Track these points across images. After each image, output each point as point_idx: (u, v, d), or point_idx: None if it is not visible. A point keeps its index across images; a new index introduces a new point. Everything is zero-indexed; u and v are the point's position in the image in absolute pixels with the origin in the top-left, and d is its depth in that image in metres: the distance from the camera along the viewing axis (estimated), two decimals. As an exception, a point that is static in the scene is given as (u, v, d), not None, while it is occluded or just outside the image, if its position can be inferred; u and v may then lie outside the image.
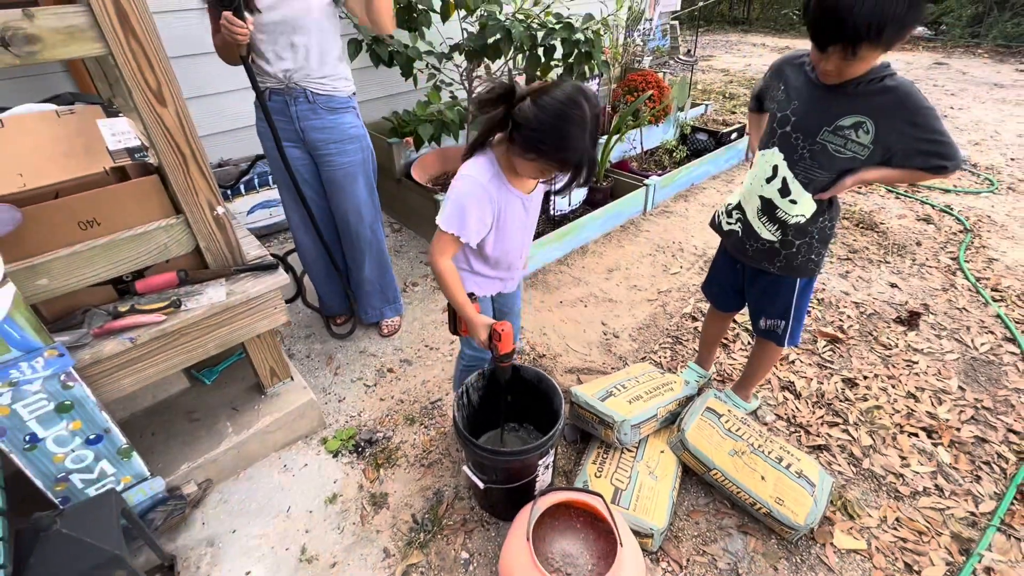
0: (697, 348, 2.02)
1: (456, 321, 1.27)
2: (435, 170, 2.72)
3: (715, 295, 1.66)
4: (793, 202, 1.25)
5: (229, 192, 2.82)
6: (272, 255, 2.73)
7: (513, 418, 1.60)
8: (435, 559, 1.43)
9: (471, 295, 1.23)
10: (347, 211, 1.78)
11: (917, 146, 1.09)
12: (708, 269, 1.65)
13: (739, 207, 1.39)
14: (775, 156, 1.26)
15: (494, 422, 1.61)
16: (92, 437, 1.19)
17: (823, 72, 1.10)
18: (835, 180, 1.20)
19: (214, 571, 1.40)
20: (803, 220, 1.27)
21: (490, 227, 1.08)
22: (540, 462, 1.33)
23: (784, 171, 1.24)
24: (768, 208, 1.31)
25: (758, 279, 1.45)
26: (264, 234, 3.01)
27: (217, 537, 1.48)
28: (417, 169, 2.63)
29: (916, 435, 1.76)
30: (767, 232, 1.33)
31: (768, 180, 1.29)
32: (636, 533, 1.40)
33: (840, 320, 2.23)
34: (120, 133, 1.31)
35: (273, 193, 2.93)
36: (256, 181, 2.85)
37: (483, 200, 1.04)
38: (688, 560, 1.44)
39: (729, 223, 1.44)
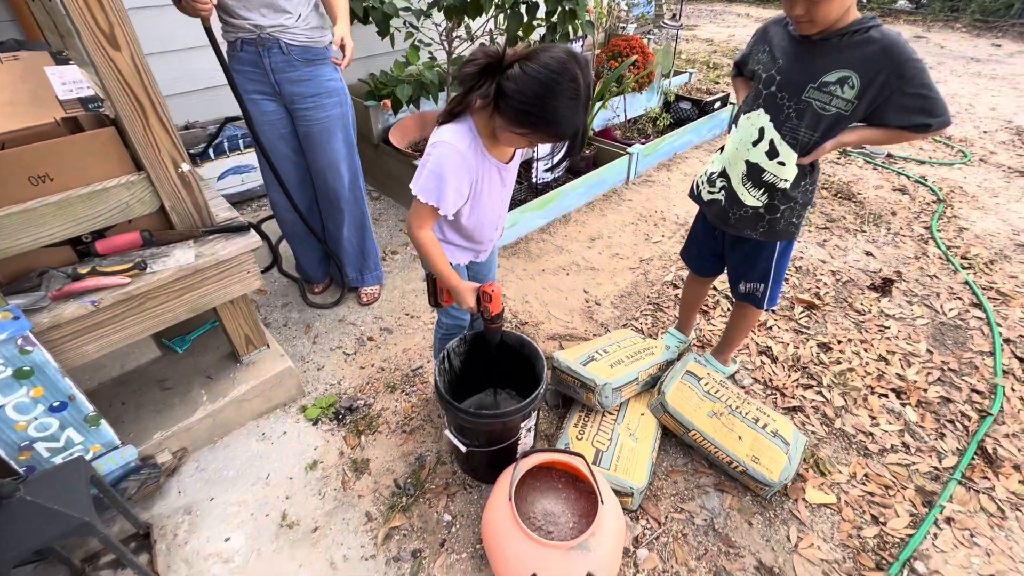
0: (677, 314, 2.02)
1: (437, 292, 1.23)
2: (414, 135, 2.61)
3: (694, 260, 1.64)
4: (782, 164, 1.22)
5: (198, 158, 2.68)
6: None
7: (495, 383, 1.60)
8: (417, 521, 1.44)
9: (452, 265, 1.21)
10: (325, 168, 1.70)
11: (901, 100, 1.04)
12: (687, 236, 1.64)
13: (723, 174, 1.35)
14: (760, 118, 1.22)
15: (476, 387, 1.60)
16: (56, 404, 1.14)
17: (796, 21, 1.06)
18: (822, 139, 1.17)
19: (192, 538, 1.38)
20: (788, 184, 1.24)
21: (466, 197, 1.03)
22: (522, 425, 1.32)
23: (771, 133, 1.21)
24: (754, 173, 1.28)
25: (739, 245, 1.44)
26: (236, 201, 2.85)
27: (195, 505, 1.45)
28: (395, 134, 2.52)
29: (886, 396, 1.80)
30: (751, 198, 1.30)
31: (754, 143, 1.25)
32: (616, 492, 1.41)
33: (817, 287, 2.25)
34: (71, 82, 1.21)
35: (245, 158, 2.76)
36: (226, 145, 2.69)
37: (461, 169, 0.98)
38: (667, 517, 1.46)
39: (711, 192, 1.39)
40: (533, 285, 2.26)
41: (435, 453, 1.60)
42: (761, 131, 1.23)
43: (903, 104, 1.06)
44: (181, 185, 1.25)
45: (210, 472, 1.54)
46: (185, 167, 1.22)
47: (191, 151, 2.62)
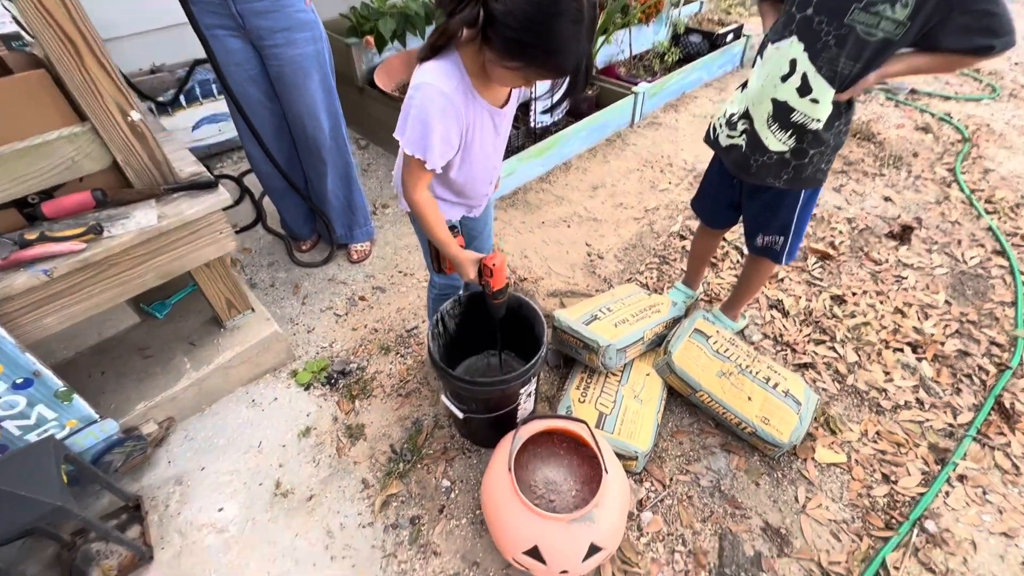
0: (685, 268, 1.96)
1: (440, 258, 1.19)
2: (402, 75, 2.40)
3: (706, 211, 1.55)
4: (815, 101, 1.09)
5: (168, 106, 2.47)
6: (225, 176, 2.50)
7: (493, 345, 1.54)
8: (415, 488, 1.41)
9: (453, 227, 1.13)
10: (302, 115, 1.56)
11: (962, 19, 0.91)
12: (699, 184, 1.53)
13: (745, 115, 1.22)
14: (792, 48, 1.07)
15: (472, 350, 1.56)
16: (19, 382, 1.06)
17: None
18: (864, 70, 1.02)
19: (184, 509, 1.34)
20: (820, 125, 1.11)
21: (457, 148, 0.93)
22: (522, 391, 1.28)
23: (804, 65, 1.06)
24: (782, 112, 1.14)
25: (758, 194, 1.33)
26: (215, 153, 2.67)
27: (185, 475, 1.42)
28: (381, 75, 2.33)
29: (901, 350, 1.74)
30: (777, 142, 1.17)
31: (784, 78, 1.10)
32: (620, 456, 1.38)
33: (832, 236, 2.16)
34: (-10, 16, 1.05)
35: (221, 105, 2.55)
36: (198, 90, 2.47)
37: (448, 114, 0.86)
38: (672, 479, 1.44)
39: (731, 136, 1.27)
40: (532, 239, 2.19)
41: (432, 417, 1.57)
42: (792, 63, 1.08)
43: (964, 24, 0.92)
44: (133, 136, 1.11)
45: (200, 441, 1.50)
46: (135, 115, 1.08)
47: (159, 98, 2.40)
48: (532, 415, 1.39)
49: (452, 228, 1.09)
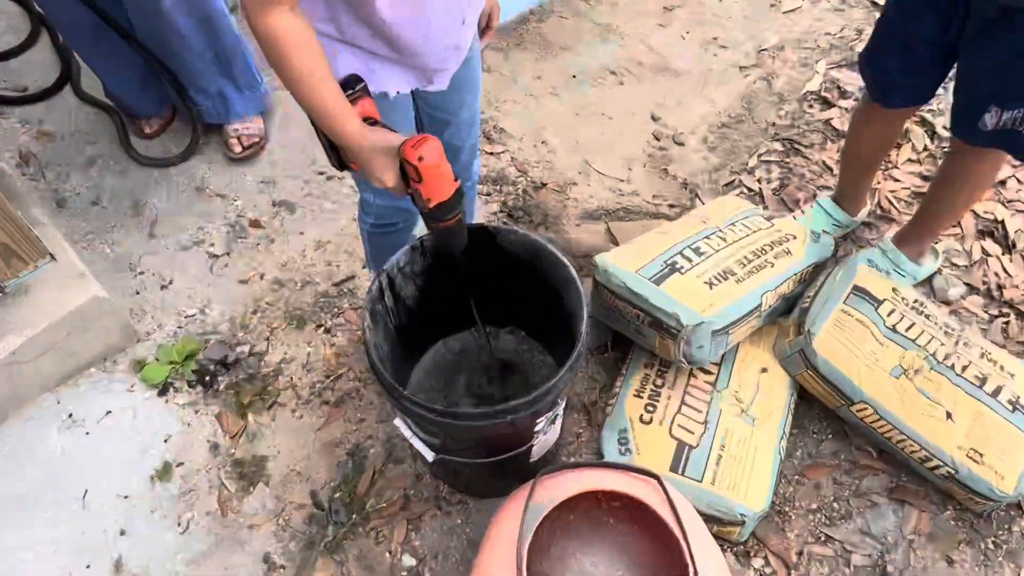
0: (835, 168, 1.92)
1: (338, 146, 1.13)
2: None
3: (890, 73, 1.48)
4: None
5: None
6: None
7: (492, 315, 1.51)
8: (357, 570, 1.39)
9: (354, 87, 1.05)
10: None
11: None
12: (876, 23, 1.47)
13: None
14: None
15: (451, 327, 1.57)
16: None
17: None
18: None
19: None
20: None
21: None
22: (539, 422, 1.23)
23: None
24: None
25: (1001, 35, 1.24)
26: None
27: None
28: None
29: None
30: None
31: None
32: (715, 520, 1.36)
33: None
34: None
35: None
36: None
37: None
38: (802, 553, 1.40)
39: None
40: (553, 107, 2.18)
41: (383, 442, 1.55)
42: None
43: None
44: None
45: (-28, 493, 1.47)
46: None
47: None
48: (557, 454, 1.37)
49: (352, 87, 1.05)
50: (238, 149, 1.97)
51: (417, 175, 1.01)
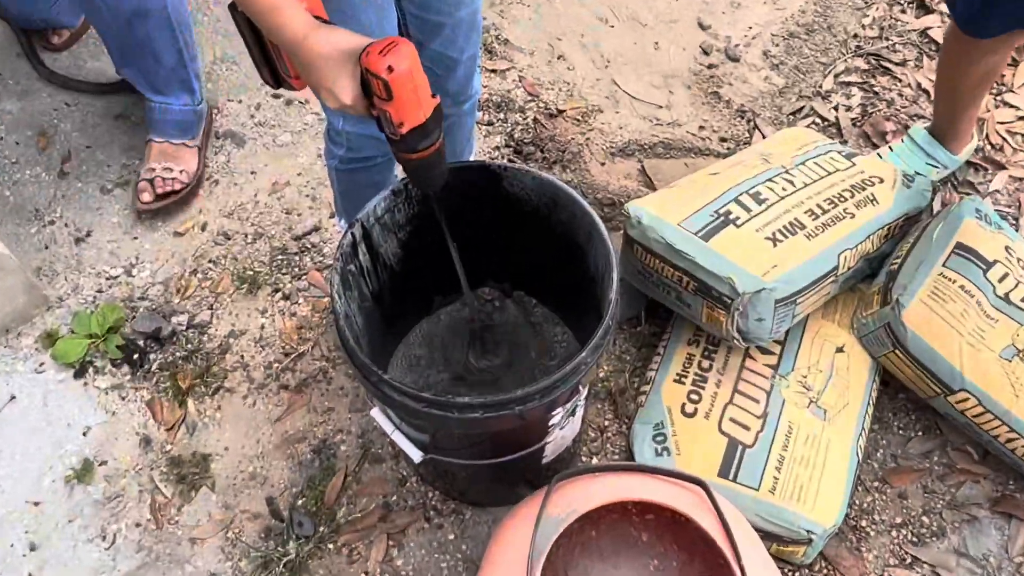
0: (932, 91, 1.91)
1: (270, 54, 1.13)
2: None
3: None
4: None
5: None
6: None
7: (488, 275, 1.56)
8: None
9: None
10: None
11: None
12: None
13: None
14: None
15: (446, 291, 1.59)
16: None
17: None
18: None
19: None
20: None
21: None
22: (554, 415, 1.24)
23: None
24: None
25: None
26: None
27: None
28: None
29: None
30: None
31: None
32: (775, 538, 1.38)
33: None
34: None
35: None
36: None
37: None
38: None
39: None
40: (573, 11, 2.19)
41: (356, 435, 1.58)
42: None
43: None
44: None
45: None
46: None
47: None
48: (575, 455, 1.39)
49: None
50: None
51: (385, 91, 0.99)
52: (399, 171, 1.38)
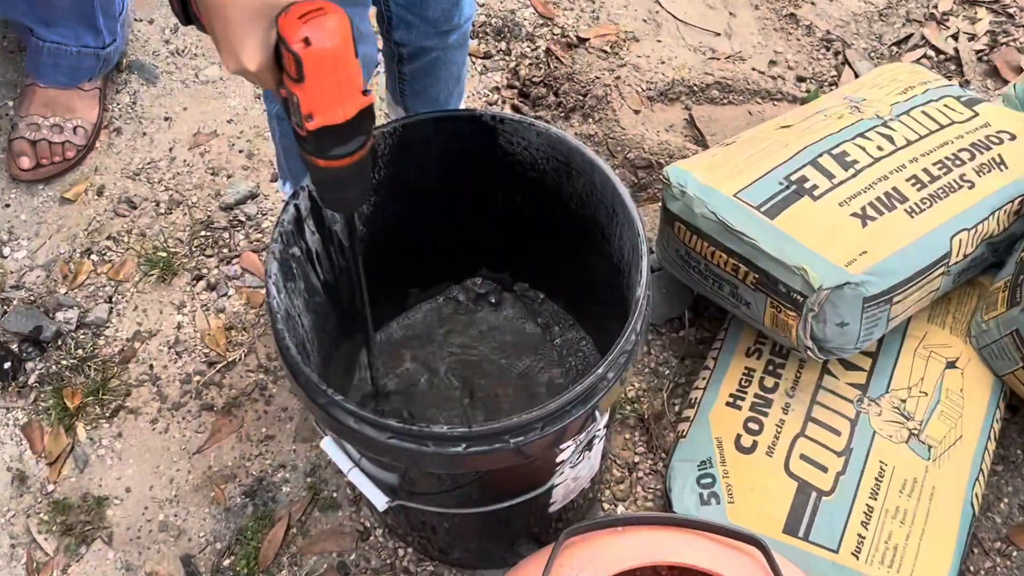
0: None
1: None
2: None
3: None
4: None
5: None
6: None
7: (490, 268, 1.62)
8: None
9: None
10: None
11: None
12: None
13: None
14: None
15: (423, 281, 1.64)
16: None
17: None
18: None
19: None
20: None
21: None
22: (563, 450, 1.25)
23: None
24: None
25: None
26: None
27: None
28: None
29: None
30: None
31: None
32: None
33: None
34: None
35: None
36: None
37: None
38: None
39: None
40: None
41: (302, 473, 1.61)
42: None
43: None
44: None
45: None
46: None
47: None
48: (593, 502, 1.43)
49: None
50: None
51: (296, 68, 0.97)
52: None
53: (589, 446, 1.29)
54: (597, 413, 1.20)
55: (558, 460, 1.26)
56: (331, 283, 1.40)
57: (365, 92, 1.03)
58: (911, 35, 2.00)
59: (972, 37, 1.98)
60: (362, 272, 1.31)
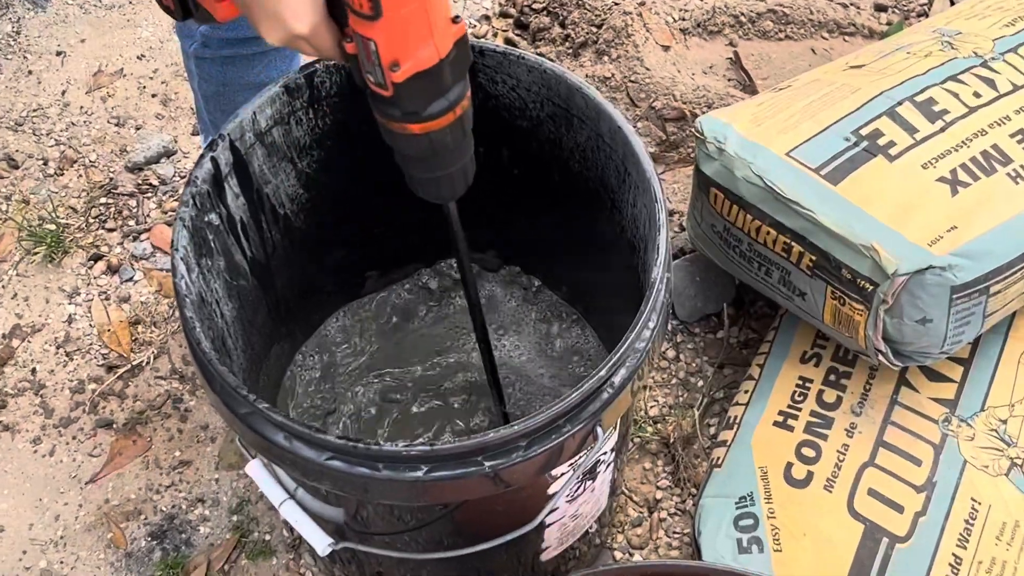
0: None
1: None
2: None
3: None
4: None
5: None
6: None
7: (472, 238, 1.55)
8: None
9: None
10: None
11: None
12: None
13: None
14: None
15: (381, 263, 1.69)
16: None
17: None
18: None
19: None
20: None
21: None
22: (557, 474, 1.27)
23: None
24: None
25: None
26: None
27: None
28: None
29: None
30: None
31: None
32: None
33: None
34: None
35: None
36: None
37: None
38: None
39: None
40: None
41: (226, 508, 1.65)
42: None
43: None
44: None
45: None
46: None
47: None
48: (601, 547, 1.47)
49: None
50: None
51: (372, 5, 1.02)
52: (305, 58, 1.38)
53: (592, 474, 1.32)
54: (599, 430, 1.20)
55: (550, 491, 1.27)
56: (262, 262, 1.41)
57: (455, 19, 1.02)
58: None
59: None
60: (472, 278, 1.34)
